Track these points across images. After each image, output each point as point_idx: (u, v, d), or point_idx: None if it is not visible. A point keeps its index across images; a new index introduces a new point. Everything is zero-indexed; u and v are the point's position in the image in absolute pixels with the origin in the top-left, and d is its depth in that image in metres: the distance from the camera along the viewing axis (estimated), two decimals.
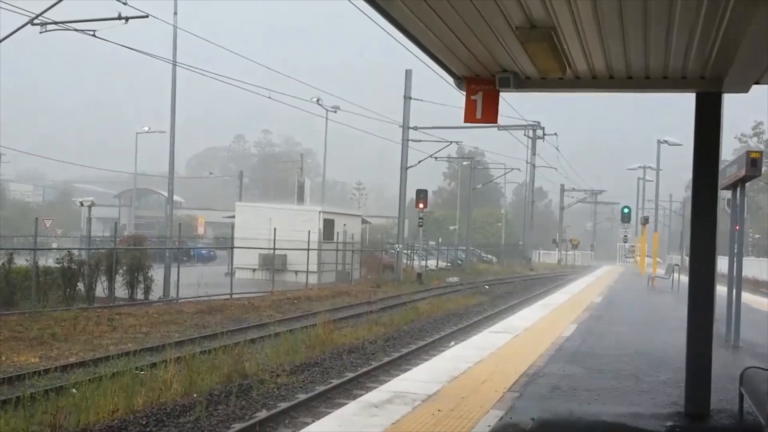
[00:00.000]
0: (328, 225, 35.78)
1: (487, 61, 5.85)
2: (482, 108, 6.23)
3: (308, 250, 30.81)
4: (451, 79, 6.61)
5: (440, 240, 64.61)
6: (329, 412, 8.95)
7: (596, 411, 6.37)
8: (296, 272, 31.85)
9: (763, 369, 5.82)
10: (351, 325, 19.30)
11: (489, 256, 70.86)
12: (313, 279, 31.46)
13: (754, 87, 5.97)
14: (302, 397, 10.97)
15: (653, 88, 6.19)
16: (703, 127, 5.96)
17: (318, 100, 46.68)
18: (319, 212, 35.79)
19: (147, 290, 23.27)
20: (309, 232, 31.34)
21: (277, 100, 33.74)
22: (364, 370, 13.29)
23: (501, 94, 6.29)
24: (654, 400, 6.89)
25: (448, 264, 53.56)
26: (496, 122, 6.26)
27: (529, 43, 4.97)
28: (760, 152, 9.93)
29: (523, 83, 6.18)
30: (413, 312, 22.88)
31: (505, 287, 38.19)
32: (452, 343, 16.20)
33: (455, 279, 42.06)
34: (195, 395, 10.48)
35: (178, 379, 10.99)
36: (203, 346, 14.81)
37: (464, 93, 6.37)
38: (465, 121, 6.34)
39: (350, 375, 12.81)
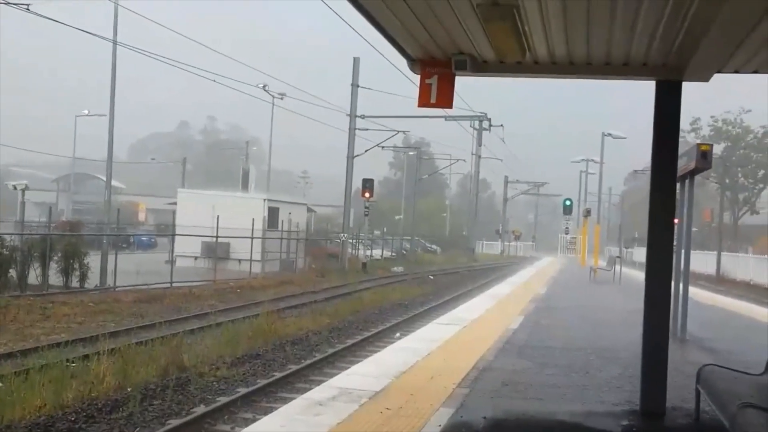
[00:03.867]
0: (273, 213, 35.22)
1: (444, 42, 5.56)
2: (437, 92, 5.95)
3: (252, 238, 30.23)
4: (403, 67, 6.30)
5: (385, 230, 64.51)
6: (272, 408, 8.62)
7: (550, 409, 6.18)
8: (239, 261, 31.23)
9: (720, 366, 5.72)
10: (295, 315, 18.92)
11: (433, 246, 71.17)
12: (256, 268, 30.91)
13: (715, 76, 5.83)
14: (243, 391, 10.56)
15: (613, 75, 6.00)
16: (663, 116, 5.79)
17: (264, 87, 45.84)
18: (264, 200, 35.19)
19: (83, 278, 22.40)
20: (253, 220, 30.76)
21: (222, 84, 32.89)
22: (308, 362, 12.95)
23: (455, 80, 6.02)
24: (608, 397, 6.74)
25: (393, 254, 53.49)
26: (451, 107, 5.99)
27: (490, 22, 4.69)
28: (710, 145, 9.94)
29: (481, 67, 5.92)
30: (358, 302, 22.61)
31: (450, 278, 38.27)
32: (398, 334, 16.00)
33: (400, 269, 41.99)
34: (129, 389, 9.98)
35: (112, 372, 10.45)
36: (140, 336, 14.23)
37: (419, 76, 6.07)
38: (419, 105, 6.05)
39: (294, 368, 12.45)
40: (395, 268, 42.17)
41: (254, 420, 8.20)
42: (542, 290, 21.49)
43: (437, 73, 5.91)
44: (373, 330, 17.33)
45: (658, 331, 5.98)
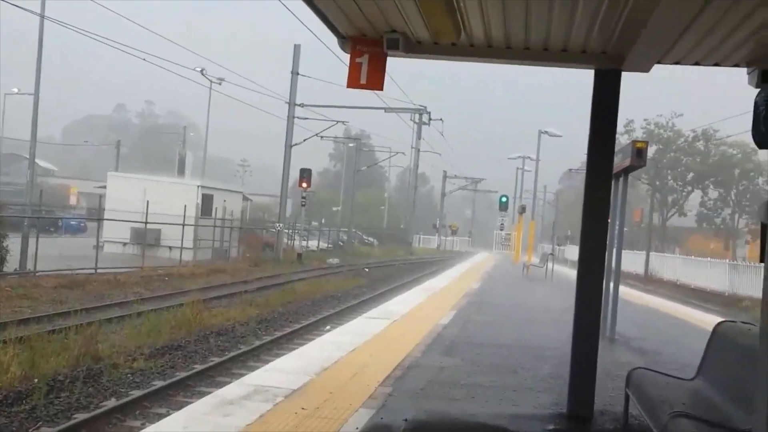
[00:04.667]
0: (207, 200, 34.35)
1: (375, 19, 5.19)
2: (368, 72, 5.58)
3: (183, 225, 29.34)
4: (343, 55, 5.91)
5: (323, 221, 63.95)
6: (187, 402, 8.14)
7: (474, 410, 5.89)
8: (170, 248, 30.33)
9: (650, 370, 5.55)
10: (223, 306, 18.33)
11: (371, 238, 70.98)
12: (188, 256, 30.05)
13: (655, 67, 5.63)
14: (159, 384, 10.03)
15: (552, 62, 5.74)
16: (601, 107, 5.55)
17: (202, 71, 44.69)
18: (198, 186, 34.29)
19: (1, 261, 21.25)
20: (185, 206, 29.87)
21: (160, 66, 31.74)
22: (232, 354, 12.46)
23: (390, 64, 5.67)
24: (534, 398, 6.51)
25: (330, 245, 53.03)
26: (381, 88, 5.63)
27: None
28: (646, 143, 9.86)
29: (414, 47, 5.57)
30: (290, 293, 22.15)
31: (386, 270, 38.09)
32: (328, 327, 15.63)
33: (336, 260, 41.61)
34: (36, 380, 9.33)
35: (18, 362, 9.76)
36: (55, 324, 13.48)
37: (349, 55, 5.69)
38: (348, 86, 5.68)
39: (216, 360, 11.96)
40: (331, 260, 41.75)
41: (167, 415, 7.71)
42: (475, 285, 21.43)
43: (368, 52, 5.54)
44: (304, 322, 16.93)
45: (589, 332, 5.76)
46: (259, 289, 22.87)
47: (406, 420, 5.39)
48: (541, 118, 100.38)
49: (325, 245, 52.48)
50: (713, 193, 65.49)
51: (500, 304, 16.58)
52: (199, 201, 33.29)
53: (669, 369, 8.35)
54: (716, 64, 5.70)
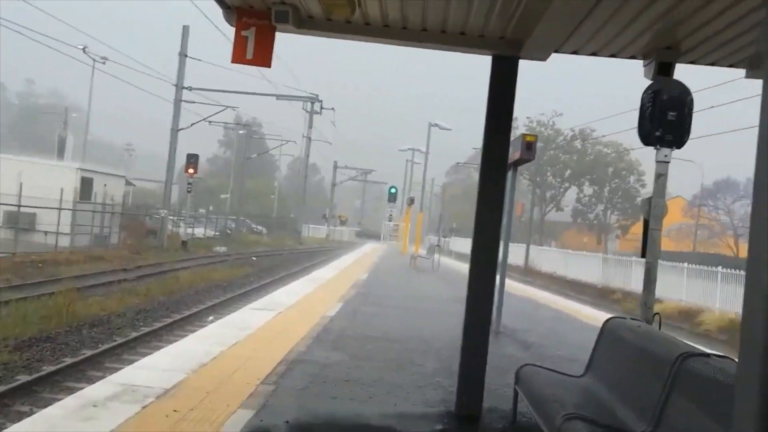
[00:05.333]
0: (86, 184, 32.45)
1: None
2: (255, 47, 5.18)
3: (60, 209, 27.60)
4: (228, 33, 5.46)
5: (211, 209, 62.19)
6: (54, 400, 7.48)
7: (360, 410, 5.62)
8: (46, 233, 28.43)
9: (539, 367, 5.45)
10: (100, 295, 17.26)
11: (260, 227, 69.75)
12: (65, 241, 28.32)
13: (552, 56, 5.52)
14: (24, 379, 9.22)
15: (449, 45, 5.51)
16: (498, 94, 5.37)
17: (84, 48, 42.15)
18: (77, 169, 32.33)
19: None
20: (62, 189, 28.12)
21: (36, 40, 29.60)
22: (106, 347, 11.69)
23: (280, 45, 5.29)
24: (422, 396, 6.31)
25: (217, 233, 51.64)
26: (269, 65, 5.23)
27: None
28: (535, 136, 9.89)
29: (305, 22, 5.20)
30: (173, 282, 21.25)
31: (274, 259, 37.44)
32: (211, 318, 15.02)
33: (223, 249, 40.53)
34: None
35: None
36: None
37: (234, 28, 5.26)
38: (233, 62, 5.26)
39: (88, 353, 11.16)
40: (218, 248, 40.61)
41: (31, 414, 7.02)
42: (363, 276, 21.27)
43: (255, 25, 5.13)
44: (185, 312, 16.21)
45: (479, 327, 5.60)
46: (140, 278, 21.79)
47: (287, 422, 5.05)
48: (432, 112, 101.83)
49: (213, 233, 51.05)
50: (588, 190, 68.75)
51: (388, 295, 16.46)
52: (78, 184, 31.43)
53: (554, 362, 8.42)
54: (613, 55, 5.67)
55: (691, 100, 9.51)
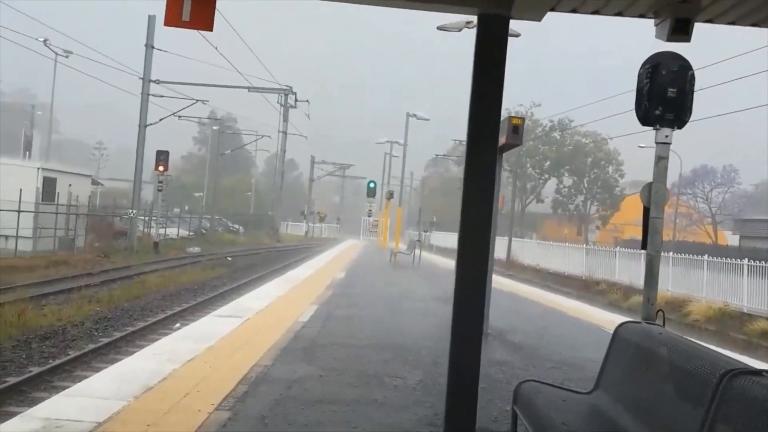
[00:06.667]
0: (49, 184, 31.12)
1: None
2: (192, 8, 4.23)
3: (19, 211, 26.32)
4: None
5: (187, 208, 60.78)
6: None
7: None
8: (6, 237, 27.12)
9: (541, 383, 4.60)
10: (58, 303, 16.16)
11: (236, 225, 68.42)
12: (27, 245, 27.04)
13: (548, 15, 4.62)
14: None
15: (430, 3, 4.60)
16: (484, 60, 4.43)
17: (45, 41, 40.76)
18: (38, 169, 30.97)
19: None
20: (21, 190, 26.83)
21: None
22: (57, 362, 10.64)
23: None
24: (405, 415, 5.43)
25: (192, 233, 50.31)
26: (210, 28, 4.30)
27: None
28: (522, 119, 8.96)
29: None
30: (139, 286, 20.17)
31: (249, 259, 36.39)
32: (178, 324, 14.03)
33: (197, 249, 39.36)
34: None
35: None
36: None
37: None
38: (166, 24, 4.32)
39: (36, 370, 10.12)
40: (191, 249, 39.42)
41: None
42: (341, 275, 20.33)
43: None
44: (151, 319, 15.19)
45: (470, 334, 4.65)
46: (105, 283, 20.67)
47: None
48: (410, 101, 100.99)
49: (187, 233, 49.74)
50: (568, 181, 68.29)
51: (366, 295, 15.54)
52: (40, 185, 30.11)
53: (553, 368, 7.56)
54: (619, 14, 4.80)
55: (693, 75, 8.66)
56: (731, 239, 62.04)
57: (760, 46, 19.20)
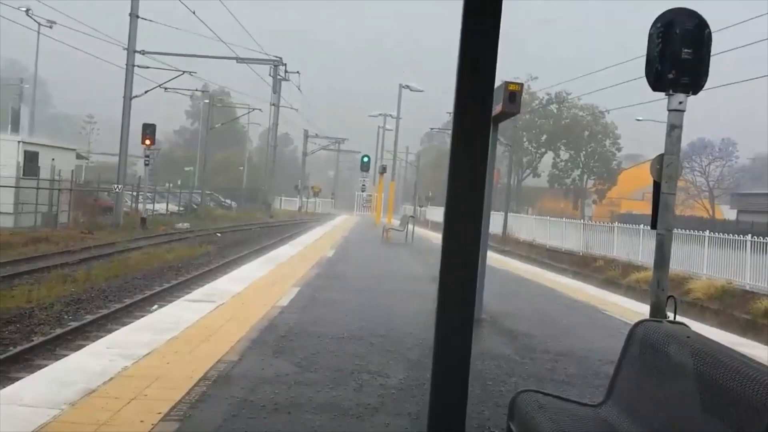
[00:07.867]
0: (31, 158, 30.19)
1: None
2: None
3: None
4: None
5: (179, 182, 59.82)
6: None
7: None
8: None
9: (542, 393, 3.85)
10: (31, 283, 15.37)
11: (228, 201, 67.55)
12: (8, 222, 26.24)
13: None
14: None
15: None
16: (476, 14, 3.58)
17: (27, 11, 39.52)
18: (18, 142, 30.02)
19: None
20: (1, 165, 25.99)
21: None
22: (18, 350, 9.86)
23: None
24: (384, 422, 4.67)
25: (182, 209, 49.46)
26: None
27: None
28: (521, 85, 8.08)
29: None
30: (120, 265, 19.36)
31: (239, 235, 35.63)
32: (155, 306, 13.24)
33: (186, 225, 38.62)
34: None
35: None
36: None
37: None
38: None
39: None
40: (180, 225, 38.65)
41: None
42: (330, 253, 19.55)
43: None
44: (127, 301, 14.40)
45: (459, 338, 3.84)
46: (84, 261, 19.86)
47: None
48: (403, 73, 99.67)
49: (177, 209, 48.89)
50: (564, 155, 67.40)
51: (353, 276, 14.76)
52: (21, 159, 29.19)
53: (554, 362, 6.80)
54: None
55: (710, 34, 7.80)
56: (728, 213, 61.36)
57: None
